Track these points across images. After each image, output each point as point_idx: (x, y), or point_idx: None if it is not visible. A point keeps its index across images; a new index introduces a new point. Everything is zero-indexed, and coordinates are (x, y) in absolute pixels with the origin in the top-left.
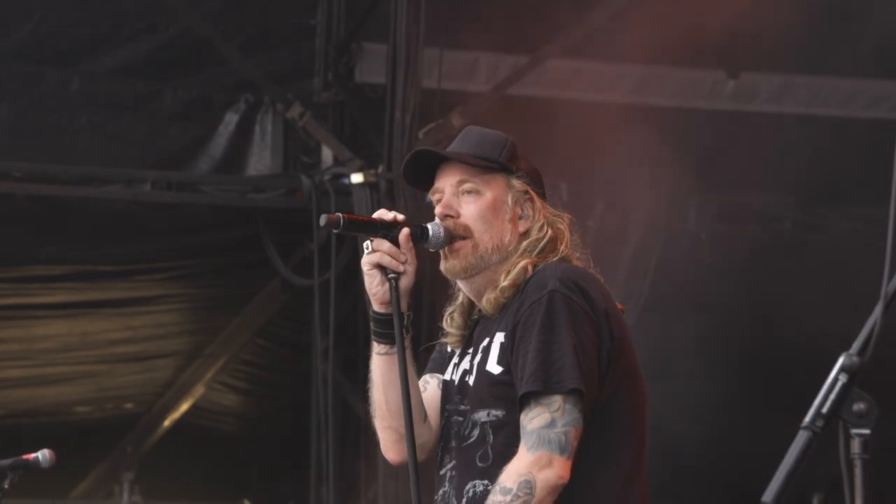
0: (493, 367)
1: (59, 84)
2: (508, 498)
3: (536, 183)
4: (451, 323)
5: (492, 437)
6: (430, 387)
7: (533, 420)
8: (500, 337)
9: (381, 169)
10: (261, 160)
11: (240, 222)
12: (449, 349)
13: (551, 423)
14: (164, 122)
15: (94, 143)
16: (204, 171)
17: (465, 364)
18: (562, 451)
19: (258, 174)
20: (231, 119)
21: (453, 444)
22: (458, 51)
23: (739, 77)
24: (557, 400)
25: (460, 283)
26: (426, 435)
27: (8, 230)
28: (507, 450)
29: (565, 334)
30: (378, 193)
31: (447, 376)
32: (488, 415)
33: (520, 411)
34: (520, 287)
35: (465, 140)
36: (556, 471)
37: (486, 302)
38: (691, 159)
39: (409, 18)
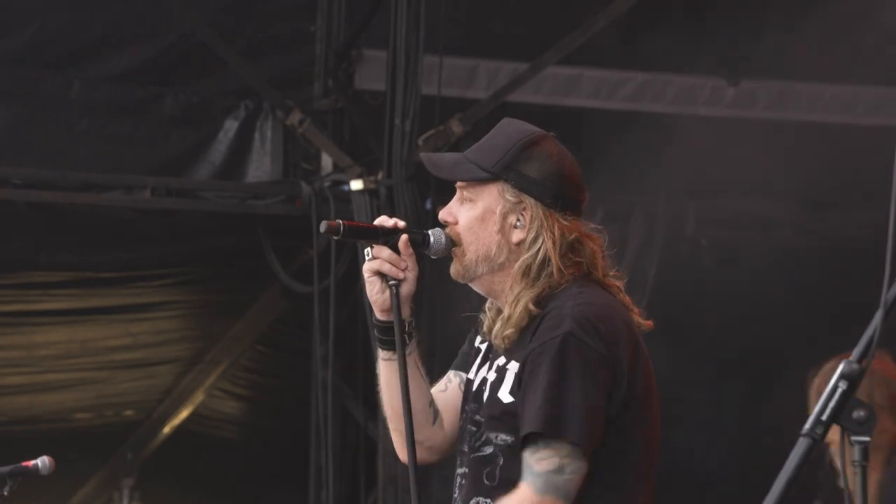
0: (505, 396)
1: (59, 89)
2: None
3: (545, 188)
4: (491, 307)
5: (502, 459)
6: (451, 386)
7: (541, 462)
8: (514, 366)
9: (380, 175)
10: (260, 167)
11: (239, 229)
12: (476, 342)
13: (559, 469)
14: (164, 128)
15: (94, 148)
16: (204, 177)
17: (484, 371)
18: (566, 498)
19: (258, 181)
20: (231, 125)
21: (466, 450)
22: (458, 57)
23: (739, 84)
24: (567, 446)
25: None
26: (437, 437)
27: (8, 237)
28: (514, 475)
29: (575, 381)
30: (378, 200)
31: (471, 374)
32: (498, 438)
33: (523, 446)
34: (534, 318)
35: (485, 140)
36: None
37: (496, 344)
38: (691, 166)
39: (409, 25)
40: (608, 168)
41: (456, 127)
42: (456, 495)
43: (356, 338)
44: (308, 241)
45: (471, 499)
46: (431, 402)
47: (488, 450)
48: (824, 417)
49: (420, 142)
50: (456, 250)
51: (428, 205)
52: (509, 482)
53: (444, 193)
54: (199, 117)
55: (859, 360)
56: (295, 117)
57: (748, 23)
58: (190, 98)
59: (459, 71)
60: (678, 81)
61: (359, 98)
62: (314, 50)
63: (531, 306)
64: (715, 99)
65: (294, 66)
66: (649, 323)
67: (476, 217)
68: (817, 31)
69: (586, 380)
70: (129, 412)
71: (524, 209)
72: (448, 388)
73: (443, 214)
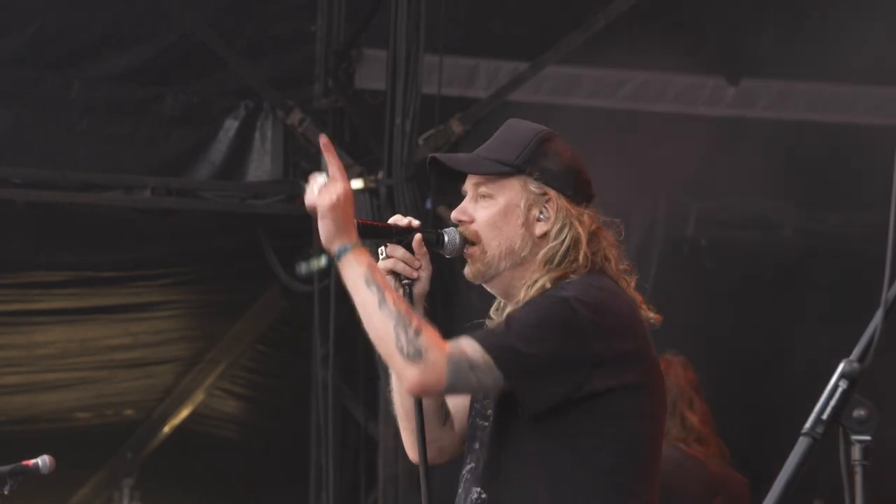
0: None
1: (59, 89)
2: (407, 341)
3: (564, 181)
4: (497, 309)
5: None
6: None
7: (472, 347)
8: None
9: (381, 175)
10: (261, 166)
11: (240, 228)
12: None
13: (474, 365)
14: (165, 128)
15: (94, 148)
16: (204, 176)
17: None
18: (451, 383)
19: (258, 180)
20: (231, 125)
21: (477, 447)
22: (458, 57)
23: (739, 83)
24: (497, 367)
25: (484, 286)
26: (446, 438)
27: (8, 236)
28: (521, 471)
29: (550, 334)
30: (378, 199)
31: None
32: None
33: (477, 337)
34: None
35: (495, 138)
36: (426, 380)
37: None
38: (691, 165)
39: (410, 24)
40: (609, 168)
41: (456, 126)
42: (460, 490)
43: (356, 338)
44: (308, 240)
45: (471, 488)
46: (443, 403)
47: None
48: (825, 416)
49: (420, 141)
50: (473, 250)
51: (428, 204)
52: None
53: (445, 193)
54: (199, 117)
55: (860, 360)
56: (295, 117)
57: (748, 22)
58: (190, 98)
59: (459, 70)
60: (678, 81)
61: (359, 97)
62: (314, 50)
63: (548, 285)
64: (715, 99)
65: (294, 66)
66: (658, 317)
67: (498, 212)
68: (817, 30)
69: (560, 339)
70: (129, 412)
71: (548, 201)
72: None
73: (456, 214)
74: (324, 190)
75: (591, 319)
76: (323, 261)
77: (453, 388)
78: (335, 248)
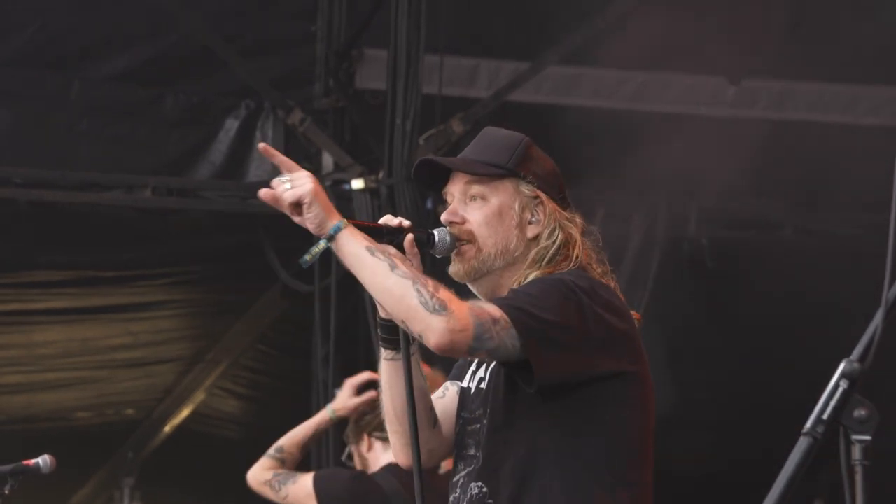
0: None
1: (59, 89)
2: (430, 295)
3: (551, 185)
4: None
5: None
6: (448, 393)
7: (492, 306)
8: None
9: (381, 175)
10: (261, 166)
11: (240, 228)
12: None
13: (496, 320)
14: (165, 128)
15: (95, 148)
16: (204, 176)
17: (481, 372)
18: (477, 337)
19: (259, 180)
20: (231, 125)
21: (473, 452)
22: (459, 57)
23: (740, 83)
24: (514, 329)
25: (469, 286)
26: (434, 441)
27: (8, 236)
28: (519, 462)
29: (558, 309)
30: (379, 199)
31: (465, 383)
32: None
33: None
34: None
35: (478, 143)
36: (455, 330)
37: None
38: (691, 165)
39: (410, 24)
40: (609, 168)
41: (457, 126)
42: (457, 494)
43: (357, 337)
44: (309, 240)
45: (469, 484)
46: (431, 407)
47: None
48: (825, 416)
49: (421, 141)
50: (465, 248)
51: (429, 204)
52: (515, 468)
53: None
54: (199, 117)
55: (860, 360)
56: (296, 117)
57: (748, 22)
58: (190, 98)
59: (460, 70)
60: (678, 81)
61: (359, 97)
62: (315, 50)
63: (535, 276)
64: (715, 99)
65: (295, 66)
66: (637, 315)
67: (493, 213)
68: (818, 31)
69: (565, 313)
70: (129, 411)
71: (539, 204)
72: (446, 395)
73: (447, 216)
74: (296, 181)
75: (588, 303)
76: (322, 244)
77: (479, 341)
78: (328, 229)
